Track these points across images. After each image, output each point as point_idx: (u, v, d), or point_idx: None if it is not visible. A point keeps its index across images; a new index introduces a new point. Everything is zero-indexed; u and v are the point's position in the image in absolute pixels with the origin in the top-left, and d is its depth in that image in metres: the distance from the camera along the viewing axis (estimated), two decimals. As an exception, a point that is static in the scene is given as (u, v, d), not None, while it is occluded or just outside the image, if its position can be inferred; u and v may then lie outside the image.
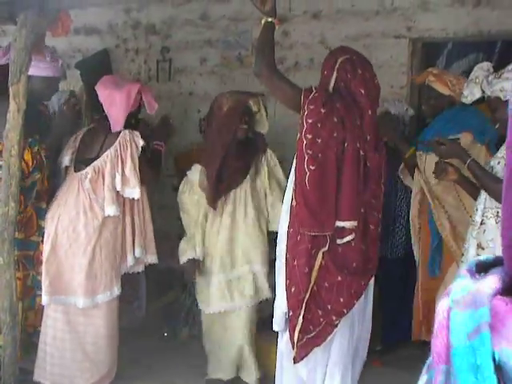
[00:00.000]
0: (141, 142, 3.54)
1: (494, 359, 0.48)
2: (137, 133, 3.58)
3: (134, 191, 3.48)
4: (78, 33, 5.29)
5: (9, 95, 3.21)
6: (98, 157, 3.55)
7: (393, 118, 4.09)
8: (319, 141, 2.83)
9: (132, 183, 3.47)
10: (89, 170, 3.52)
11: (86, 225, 3.43)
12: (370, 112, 2.92)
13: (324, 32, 4.57)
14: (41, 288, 3.70)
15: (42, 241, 3.71)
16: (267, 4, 2.90)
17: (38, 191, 3.65)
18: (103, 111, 4.65)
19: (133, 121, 3.70)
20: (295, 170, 2.92)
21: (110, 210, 3.42)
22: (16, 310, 3.14)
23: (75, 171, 3.59)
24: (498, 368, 0.47)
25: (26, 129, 3.22)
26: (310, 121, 2.84)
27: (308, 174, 2.82)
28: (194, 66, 5.14)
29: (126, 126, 3.61)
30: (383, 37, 4.47)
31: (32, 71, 3.26)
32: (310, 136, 2.84)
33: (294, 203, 2.88)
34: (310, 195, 2.82)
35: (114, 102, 3.61)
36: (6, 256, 3.09)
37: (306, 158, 2.82)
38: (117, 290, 3.48)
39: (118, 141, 3.54)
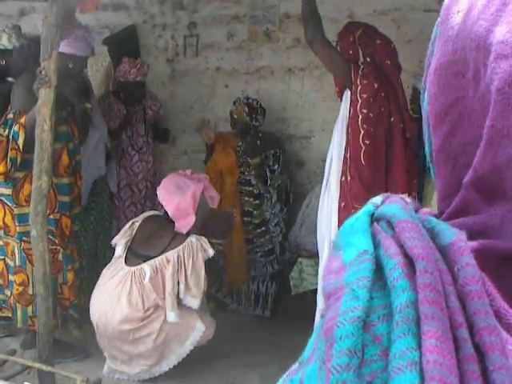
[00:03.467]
0: (210, 252, 3.46)
1: None
2: (205, 239, 3.49)
3: (193, 301, 3.41)
4: (105, 9, 5.31)
5: (32, 72, 3.28)
6: (157, 255, 3.47)
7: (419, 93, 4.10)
8: (372, 115, 2.90)
9: (193, 293, 3.40)
10: (146, 267, 3.42)
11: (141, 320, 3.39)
12: (399, 81, 3.02)
13: (352, 6, 4.52)
14: (69, 262, 3.81)
15: (67, 216, 3.79)
16: None
17: (58, 166, 3.72)
18: (124, 93, 4.70)
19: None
20: (348, 145, 2.96)
21: (171, 316, 3.36)
22: (49, 281, 3.22)
23: (126, 263, 3.50)
24: None
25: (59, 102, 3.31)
26: (364, 96, 2.90)
27: (363, 148, 2.88)
28: (222, 42, 5.14)
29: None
30: (412, 10, 4.41)
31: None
32: (365, 111, 2.90)
33: (348, 178, 2.93)
34: (364, 170, 2.89)
35: (181, 210, 3.53)
36: (39, 228, 3.16)
37: (362, 133, 2.88)
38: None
39: (182, 246, 3.45)
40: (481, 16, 0.49)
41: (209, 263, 3.55)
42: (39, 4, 4.64)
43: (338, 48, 3.14)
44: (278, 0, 4.79)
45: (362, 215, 0.51)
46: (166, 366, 3.46)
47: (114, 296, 3.42)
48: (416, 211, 0.54)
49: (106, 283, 3.50)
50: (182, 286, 3.38)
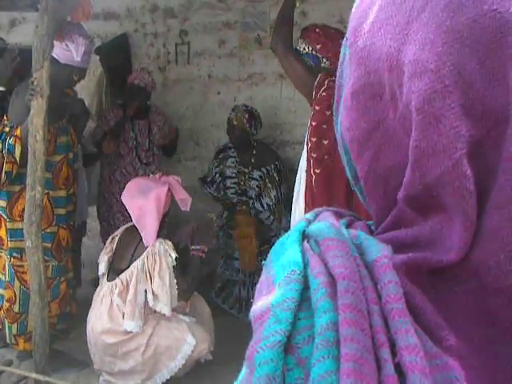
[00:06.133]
0: (173, 255, 3.35)
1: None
2: (169, 243, 3.39)
3: (164, 308, 3.32)
4: (96, 18, 5.31)
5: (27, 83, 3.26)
6: (127, 267, 3.39)
7: None
8: (326, 142, 2.74)
9: (162, 299, 3.31)
10: (118, 281, 3.38)
11: (117, 337, 3.36)
12: None
13: (342, 12, 4.55)
14: (63, 273, 3.79)
15: (64, 227, 3.76)
16: None
17: (58, 179, 3.69)
18: (124, 97, 4.70)
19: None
20: (306, 171, 2.83)
21: (129, 325, 3.30)
22: (44, 291, 3.22)
23: (108, 279, 3.46)
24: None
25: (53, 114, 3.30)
26: (314, 123, 2.76)
27: (314, 177, 2.75)
28: (213, 49, 5.15)
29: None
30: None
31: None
32: (314, 139, 2.75)
33: (304, 205, 2.81)
34: (318, 199, 2.74)
35: (143, 214, 3.40)
36: (34, 239, 3.15)
37: (312, 162, 2.75)
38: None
39: (146, 252, 3.36)
40: (388, 36, 0.48)
41: (186, 269, 3.49)
42: (30, 14, 4.64)
43: (324, 60, 2.94)
44: (268, 6, 4.81)
45: (292, 233, 0.51)
46: (159, 381, 3.43)
47: (99, 313, 3.41)
48: (350, 225, 0.53)
49: (94, 301, 3.50)
50: (149, 295, 3.32)
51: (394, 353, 0.41)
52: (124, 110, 4.66)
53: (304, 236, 0.50)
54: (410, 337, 0.41)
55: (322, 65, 2.90)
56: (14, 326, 3.68)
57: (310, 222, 0.52)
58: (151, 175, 3.74)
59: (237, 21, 5.04)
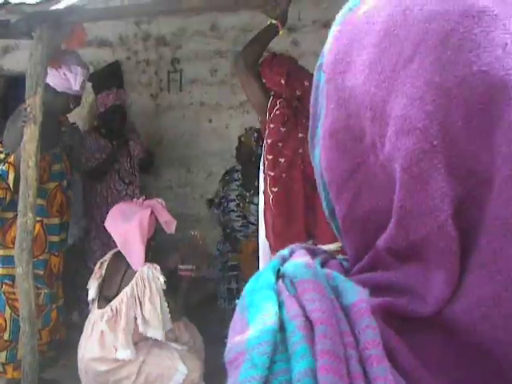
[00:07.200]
0: (161, 279, 3.31)
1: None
2: (157, 267, 3.34)
3: (156, 332, 3.26)
4: (89, 45, 5.34)
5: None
6: (117, 294, 3.34)
7: None
8: (282, 161, 2.73)
9: (153, 325, 3.25)
10: (108, 309, 3.32)
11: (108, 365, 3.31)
12: None
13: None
14: (54, 301, 3.76)
15: (56, 255, 3.73)
16: (277, 9, 2.94)
17: (52, 206, 3.68)
18: (116, 125, 4.66)
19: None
20: (263, 191, 2.82)
21: (124, 353, 3.24)
22: (35, 319, 3.19)
23: (98, 306, 3.39)
24: None
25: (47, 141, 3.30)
26: (269, 141, 2.75)
27: (271, 196, 2.73)
28: (205, 77, 5.19)
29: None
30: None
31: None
32: (270, 157, 2.74)
33: (265, 226, 2.79)
34: (275, 218, 2.72)
35: (127, 240, 3.35)
36: (24, 266, 3.14)
37: (269, 180, 2.73)
38: None
39: (135, 278, 3.31)
40: (372, 82, 0.46)
41: (176, 291, 3.44)
42: (24, 41, 4.67)
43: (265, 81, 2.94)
44: (260, 35, 4.87)
45: (266, 272, 0.49)
46: None
47: (90, 340, 3.35)
48: (324, 264, 0.52)
49: (86, 328, 3.44)
50: (139, 320, 3.26)
51: None
52: (108, 138, 4.59)
53: (279, 275, 0.49)
54: None
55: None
56: (3, 354, 3.63)
57: (284, 260, 0.51)
58: (135, 199, 3.72)
59: (228, 49, 5.09)
